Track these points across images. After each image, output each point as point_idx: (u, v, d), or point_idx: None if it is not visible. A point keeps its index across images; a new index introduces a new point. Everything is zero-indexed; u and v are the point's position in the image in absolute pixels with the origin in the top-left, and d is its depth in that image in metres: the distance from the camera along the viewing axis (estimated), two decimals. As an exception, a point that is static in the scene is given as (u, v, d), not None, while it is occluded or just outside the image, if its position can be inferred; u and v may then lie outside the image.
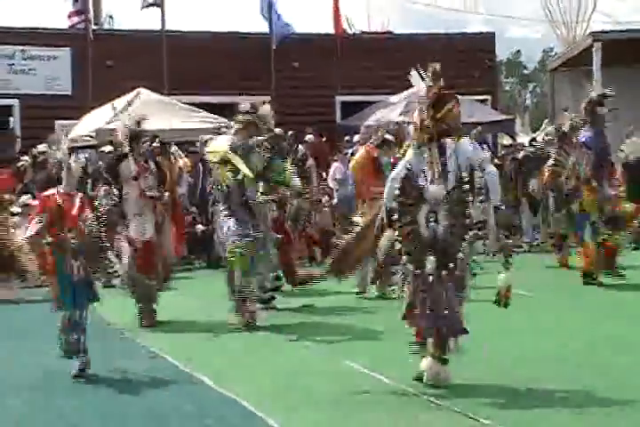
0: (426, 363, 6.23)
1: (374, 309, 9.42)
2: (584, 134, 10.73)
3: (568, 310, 9.18)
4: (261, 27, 20.75)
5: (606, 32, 20.51)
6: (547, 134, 16.50)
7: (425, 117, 6.33)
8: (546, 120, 19.25)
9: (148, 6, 19.20)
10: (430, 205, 6.22)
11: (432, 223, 6.19)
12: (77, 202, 6.85)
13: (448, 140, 6.29)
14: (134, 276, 8.81)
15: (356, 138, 16.19)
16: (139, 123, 8.97)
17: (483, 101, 21.05)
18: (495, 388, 6.18)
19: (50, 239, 6.73)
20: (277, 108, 20.13)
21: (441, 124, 6.29)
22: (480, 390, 6.15)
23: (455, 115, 6.39)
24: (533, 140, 16.76)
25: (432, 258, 6.13)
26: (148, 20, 20.34)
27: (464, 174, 6.22)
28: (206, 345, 8.04)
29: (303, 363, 7.15)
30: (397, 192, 6.31)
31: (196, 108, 16.75)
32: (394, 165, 9.57)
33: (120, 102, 16.25)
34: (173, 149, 9.13)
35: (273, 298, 9.63)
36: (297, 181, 9.46)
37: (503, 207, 6.57)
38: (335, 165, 14.56)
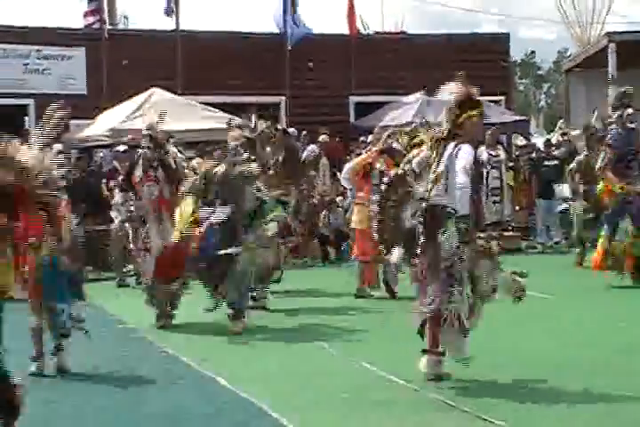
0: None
1: (387, 309, 9.43)
2: (612, 134, 10.68)
3: (587, 312, 9.14)
4: (275, 27, 20.76)
5: (621, 33, 20.40)
6: (563, 134, 16.48)
7: (446, 120, 6.37)
8: (560, 121, 19.24)
9: (169, 13, 19.28)
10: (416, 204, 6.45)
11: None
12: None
13: (451, 144, 6.31)
14: (154, 283, 8.78)
15: (370, 138, 16.22)
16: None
17: (497, 102, 20.99)
18: (510, 390, 6.17)
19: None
20: (291, 109, 20.29)
21: (456, 130, 6.31)
22: (495, 392, 6.13)
23: (474, 123, 6.40)
24: (548, 140, 16.74)
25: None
26: (163, 20, 20.46)
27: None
28: (221, 346, 8.05)
29: (318, 363, 7.16)
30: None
31: (212, 108, 16.78)
32: (382, 174, 9.74)
33: (135, 102, 16.32)
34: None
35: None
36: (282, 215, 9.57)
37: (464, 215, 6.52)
38: (348, 165, 14.53)
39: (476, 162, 6.45)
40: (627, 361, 6.90)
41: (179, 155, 9.09)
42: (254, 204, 8.68)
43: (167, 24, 20.03)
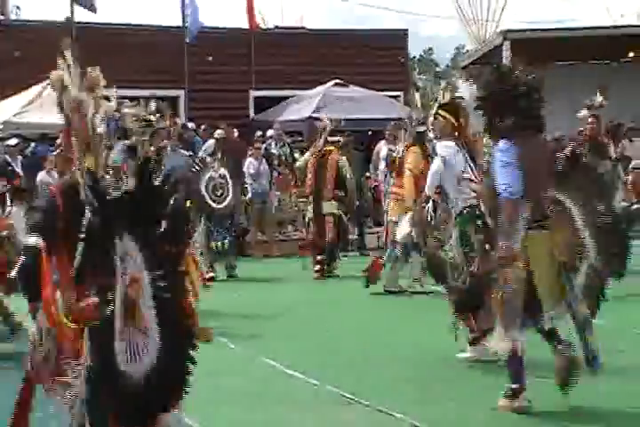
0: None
1: (290, 304, 9.41)
2: None
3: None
4: (177, 20, 20.52)
5: (516, 31, 20.83)
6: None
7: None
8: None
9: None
10: None
11: None
12: None
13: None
14: None
15: (270, 133, 16.19)
16: None
17: (395, 98, 21.20)
18: (409, 383, 6.23)
19: None
20: (191, 103, 20.08)
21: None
22: (394, 385, 6.19)
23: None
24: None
25: None
26: (58, 11, 20.03)
27: None
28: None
29: (218, 359, 7.08)
30: None
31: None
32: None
33: (28, 95, 15.92)
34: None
35: None
36: None
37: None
38: (249, 160, 14.49)
39: None
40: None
41: None
42: None
43: (61, 15, 19.62)
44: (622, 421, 5.32)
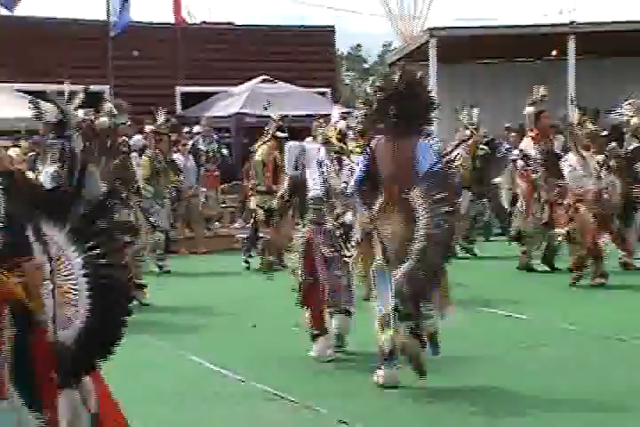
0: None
1: (215, 302, 9.36)
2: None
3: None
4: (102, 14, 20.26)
5: (442, 28, 21.03)
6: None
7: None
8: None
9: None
10: None
11: None
12: None
13: None
14: None
15: (197, 129, 16.06)
16: None
17: (323, 94, 21.25)
18: (335, 379, 6.26)
19: None
20: (116, 98, 19.81)
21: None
22: (320, 381, 6.21)
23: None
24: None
25: None
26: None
27: None
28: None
29: (146, 357, 7.02)
30: None
31: (27, 96, 16.17)
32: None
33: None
34: None
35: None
36: None
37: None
38: (175, 156, 14.34)
39: None
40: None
41: None
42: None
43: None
44: (539, 415, 5.40)
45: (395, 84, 5.81)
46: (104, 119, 9.27)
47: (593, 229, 9.55)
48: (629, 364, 6.46)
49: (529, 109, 10.60)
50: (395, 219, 5.75)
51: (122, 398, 5.67)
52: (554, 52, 20.16)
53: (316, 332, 6.70)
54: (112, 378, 6.22)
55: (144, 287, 9.15)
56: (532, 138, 10.55)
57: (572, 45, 19.52)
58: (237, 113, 19.11)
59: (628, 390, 5.77)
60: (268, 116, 12.07)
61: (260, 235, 11.11)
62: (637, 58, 20.94)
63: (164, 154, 11.63)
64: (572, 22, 20.42)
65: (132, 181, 9.61)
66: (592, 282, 9.59)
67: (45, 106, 7.93)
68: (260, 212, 11.16)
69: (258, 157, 11.53)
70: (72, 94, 8.03)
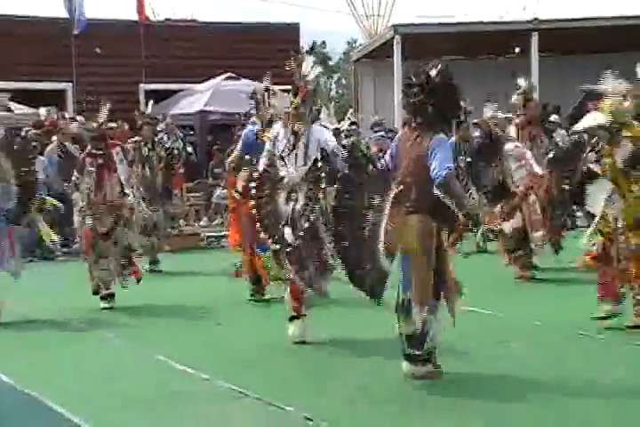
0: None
1: (177, 300, 9.32)
2: None
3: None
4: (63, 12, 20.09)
5: (406, 25, 21.09)
6: (352, 123, 16.77)
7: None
8: (350, 110, 19.64)
9: None
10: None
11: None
12: None
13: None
14: None
15: (161, 126, 15.96)
16: None
17: (287, 91, 21.20)
18: (301, 376, 6.27)
19: None
20: (79, 96, 19.66)
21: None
22: (286, 378, 6.21)
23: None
24: (337, 129, 17.03)
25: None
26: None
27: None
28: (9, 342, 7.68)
29: (109, 358, 6.98)
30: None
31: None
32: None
33: None
34: None
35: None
36: None
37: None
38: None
39: None
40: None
41: None
42: None
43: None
44: (500, 411, 5.43)
45: (432, 80, 5.84)
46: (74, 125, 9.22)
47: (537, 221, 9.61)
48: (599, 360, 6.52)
49: (516, 97, 10.60)
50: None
51: (88, 403, 5.67)
52: (517, 49, 20.29)
53: (293, 313, 6.95)
54: (81, 384, 6.22)
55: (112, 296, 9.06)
56: (516, 124, 10.56)
57: (534, 42, 19.67)
58: (201, 110, 19.04)
59: (592, 385, 5.82)
60: (233, 114, 12.06)
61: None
62: (599, 55, 21.12)
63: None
64: (534, 19, 20.57)
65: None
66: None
67: None
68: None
69: None
70: None
